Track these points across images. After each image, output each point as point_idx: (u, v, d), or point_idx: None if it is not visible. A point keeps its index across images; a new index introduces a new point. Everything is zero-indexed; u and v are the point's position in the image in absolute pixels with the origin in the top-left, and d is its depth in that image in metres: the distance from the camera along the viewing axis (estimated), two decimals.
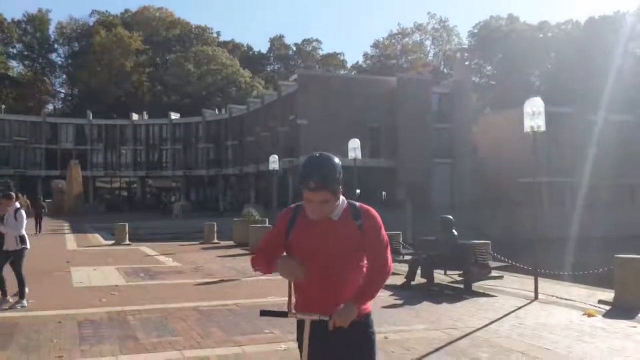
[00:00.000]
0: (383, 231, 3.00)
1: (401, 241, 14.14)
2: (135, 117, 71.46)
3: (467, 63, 73.43)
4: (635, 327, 7.49)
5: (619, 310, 8.48)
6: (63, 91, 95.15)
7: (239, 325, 7.36)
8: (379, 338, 6.43)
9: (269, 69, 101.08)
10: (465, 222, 39.77)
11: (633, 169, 51.71)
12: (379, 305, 8.76)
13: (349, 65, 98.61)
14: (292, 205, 3.13)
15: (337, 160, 2.92)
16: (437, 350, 6.24)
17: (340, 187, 2.91)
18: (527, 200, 47.86)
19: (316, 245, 2.94)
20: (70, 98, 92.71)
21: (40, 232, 25.85)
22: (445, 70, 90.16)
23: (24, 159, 67.29)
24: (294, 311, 3.01)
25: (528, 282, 10.40)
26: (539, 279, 11.59)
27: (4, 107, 69.48)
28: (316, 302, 2.95)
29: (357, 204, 3.03)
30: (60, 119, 73.94)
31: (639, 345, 6.50)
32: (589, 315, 8.23)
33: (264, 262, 3.06)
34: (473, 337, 6.86)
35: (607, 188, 49.94)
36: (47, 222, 29.53)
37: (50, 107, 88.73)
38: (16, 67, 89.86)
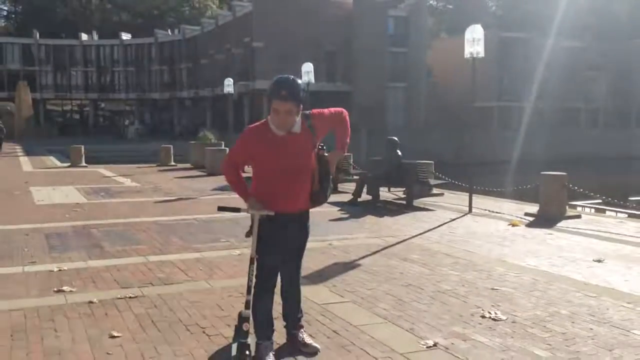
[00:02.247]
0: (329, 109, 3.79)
1: (351, 162, 14.92)
2: (84, 37, 68.88)
3: None
4: (551, 234, 8.48)
5: (540, 221, 9.49)
6: (5, 8, 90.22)
7: (197, 236, 8.03)
8: (324, 245, 7.24)
9: None
10: (417, 145, 40.99)
11: (578, 93, 53.52)
12: (326, 218, 9.57)
13: None
14: (254, 125, 3.71)
15: (300, 82, 3.56)
16: (374, 253, 7.06)
17: (301, 104, 3.52)
18: (477, 124, 49.28)
19: (283, 157, 3.55)
20: (13, 15, 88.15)
21: (0, 151, 27.59)
22: None
23: None
24: (246, 208, 3.65)
25: (466, 198, 11.24)
26: (479, 196, 12.64)
27: None
28: (281, 202, 3.60)
29: (307, 112, 3.66)
30: (4, 37, 70.63)
31: (550, 248, 7.45)
32: (513, 225, 9.21)
33: (235, 177, 3.67)
34: (407, 243, 7.72)
35: (553, 112, 51.76)
36: None
37: None
38: None
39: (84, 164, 21.55)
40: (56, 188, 13.91)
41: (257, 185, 3.68)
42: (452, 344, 4.08)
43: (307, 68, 16.30)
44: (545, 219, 9.55)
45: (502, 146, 44.00)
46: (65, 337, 4.14)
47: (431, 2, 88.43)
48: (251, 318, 3.65)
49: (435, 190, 13.12)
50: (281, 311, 4.04)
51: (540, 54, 48.85)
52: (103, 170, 19.66)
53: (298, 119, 3.55)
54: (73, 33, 69.86)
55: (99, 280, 5.68)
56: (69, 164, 21.87)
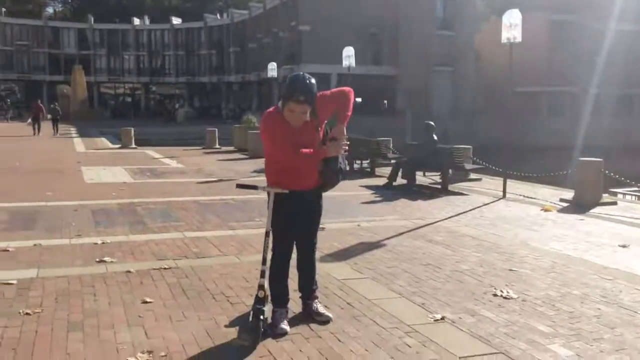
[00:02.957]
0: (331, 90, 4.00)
1: (391, 146, 15.06)
2: (136, 21, 70.59)
3: None
4: (582, 219, 8.50)
5: (574, 207, 9.49)
6: None
7: (234, 214, 8.41)
8: (352, 226, 7.49)
9: None
10: (463, 129, 40.57)
11: (637, 79, 51.61)
12: (358, 201, 9.81)
13: None
14: (271, 111, 3.94)
15: (315, 84, 3.76)
16: (400, 234, 7.27)
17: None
18: (525, 109, 48.30)
19: (301, 141, 3.82)
20: (69, 0, 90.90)
21: (57, 133, 29.91)
22: None
23: (27, 63, 67.28)
24: (263, 186, 3.95)
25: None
26: (516, 181, 12.65)
27: (4, 10, 68.51)
28: (294, 181, 3.90)
29: None
30: (61, 22, 73.13)
31: (578, 233, 7.50)
32: (545, 210, 9.24)
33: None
34: (435, 226, 7.89)
35: (608, 98, 50.17)
36: (52, 128, 30.65)
37: (50, 10, 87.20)
38: None
39: (133, 145, 22.37)
40: (106, 168, 14.59)
41: (272, 166, 3.98)
42: (460, 318, 4.29)
43: (348, 52, 16.46)
44: (579, 205, 9.53)
45: (551, 132, 43.09)
46: (102, 301, 4.55)
47: None
48: (268, 287, 3.97)
49: (473, 176, 13.17)
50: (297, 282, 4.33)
51: (594, 38, 47.36)
52: (151, 152, 20.37)
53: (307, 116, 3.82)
54: (126, 18, 71.69)
55: (138, 253, 6.10)
56: (119, 145, 22.74)
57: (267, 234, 3.92)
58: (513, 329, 4.09)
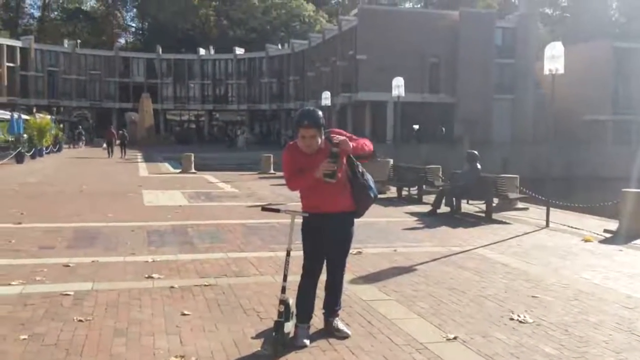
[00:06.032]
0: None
1: (440, 174, 15.26)
2: (202, 51, 73.48)
3: None
4: (621, 250, 8.50)
5: (617, 238, 9.44)
6: (134, 25, 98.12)
7: (276, 238, 8.86)
8: (389, 251, 7.78)
9: (333, 1, 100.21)
10: (523, 158, 39.97)
11: None
12: (400, 227, 10.10)
13: None
14: (290, 143, 4.45)
15: (320, 112, 4.27)
16: (434, 260, 7.52)
17: (323, 129, 4.23)
18: (589, 138, 47.13)
19: (316, 166, 4.24)
20: (140, 32, 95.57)
21: (124, 155, 33.15)
22: (517, 2, 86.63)
23: (98, 91, 70.94)
24: (284, 209, 4.39)
25: (551, 213, 11.12)
26: (563, 211, 12.60)
27: (79, 41, 72.74)
28: (316, 205, 4.35)
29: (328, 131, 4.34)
30: (131, 53, 76.97)
31: (612, 263, 7.54)
32: (586, 241, 9.26)
33: (299, 178, 4.29)
34: (470, 253, 8.09)
35: None
36: (120, 152, 32.66)
37: (122, 40, 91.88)
38: (88, 1, 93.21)
39: (193, 170, 23.35)
40: (164, 192, 15.43)
41: (301, 191, 4.42)
42: (472, 338, 4.55)
43: (398, 82, 16.85)
44: (622, 236, 9.47)
45: (616, 162, 41.78)
46: (146, 312, 5.06)
47: (547, 10, 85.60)
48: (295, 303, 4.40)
49: (520, 205, 13.20)
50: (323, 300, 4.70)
51: None
52: (209, 176, 21.24)
53: (321, 140, 4.24)
54: (192, 48, 74.74)
55: (183, 271, 6.62)
56: (180, 170, 23.78)
57: (287, 252, 4.33)
58: (520, 350, 4.32)
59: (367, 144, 4.39)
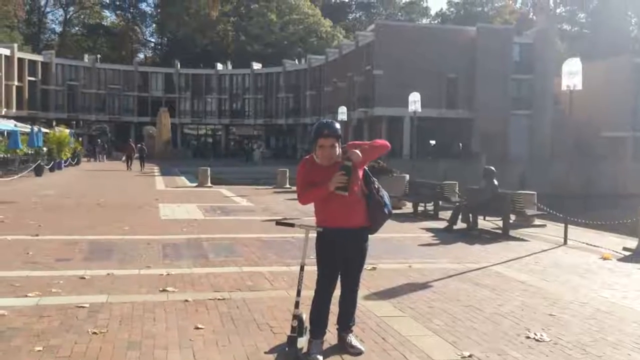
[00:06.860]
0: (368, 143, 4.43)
1: (457, 190, 15.17)
2: (219, 66, 74.13)
3: (558, 10, 70.43)
4: (639, 268, 8.36)
5: (636, 256, 9.30)
6: (153, 40, 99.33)
7: (291, 252, 8.85)
8: (404, 267, 7.72)
9: (350, 17, 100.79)
10: (540, 175, 39.60)
11: None
12: (416, 243, 10.03)
13: (432, 13, 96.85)
14: (305, 157, 4.47)
15: (338, 124, 4.31)
16: (449, 277, 7.45)
17: (340, 139, 4.25)
18: (608, 154, 46.65)
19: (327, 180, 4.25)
20: (159, 47, 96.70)
21: (143, 168, 34.05)
22: (535, 18, 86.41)
23: (117, 105, 71.73)
24: (299, 223, 4.39)
25: (569, 230, 10.94)
26: (582, 228, 12.44)
27: (99, 56, 73.76)
28: (331, 220, 4.33)
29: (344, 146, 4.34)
30: (150, 67, 77.86)
31: (631, 282, 7.42)
32: (604, 258, 9.12)
33: (309, 193, 4.34)
34: (486, 270, 8.01)
35: None
36: (139, 165, 33.08)
37: (141, 55, 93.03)
38: (109, 17, 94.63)
39: (209, 184, 23.44)
40: (181, 205, 15.50)
41: (315, 205, 4.42)
42: (487, 356, 4.48)
43: (414, 98, 16.83)
44: None
45: (636, 178, 41.24)
46: (160, 325, 5.06)
47: (565, 27, 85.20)
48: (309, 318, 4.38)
49: (537, 222, 13.07)
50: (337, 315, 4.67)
51: None
52: (224, 190, 21.32)
53: (339, 151, 4.23)
54: (210, 63, 75.42)
55: (197, 284, 6.63)
56: (196, 184, 23.90)
57: (301, 267, 4.32)
58: None
59: (377, 141, 4.47)
